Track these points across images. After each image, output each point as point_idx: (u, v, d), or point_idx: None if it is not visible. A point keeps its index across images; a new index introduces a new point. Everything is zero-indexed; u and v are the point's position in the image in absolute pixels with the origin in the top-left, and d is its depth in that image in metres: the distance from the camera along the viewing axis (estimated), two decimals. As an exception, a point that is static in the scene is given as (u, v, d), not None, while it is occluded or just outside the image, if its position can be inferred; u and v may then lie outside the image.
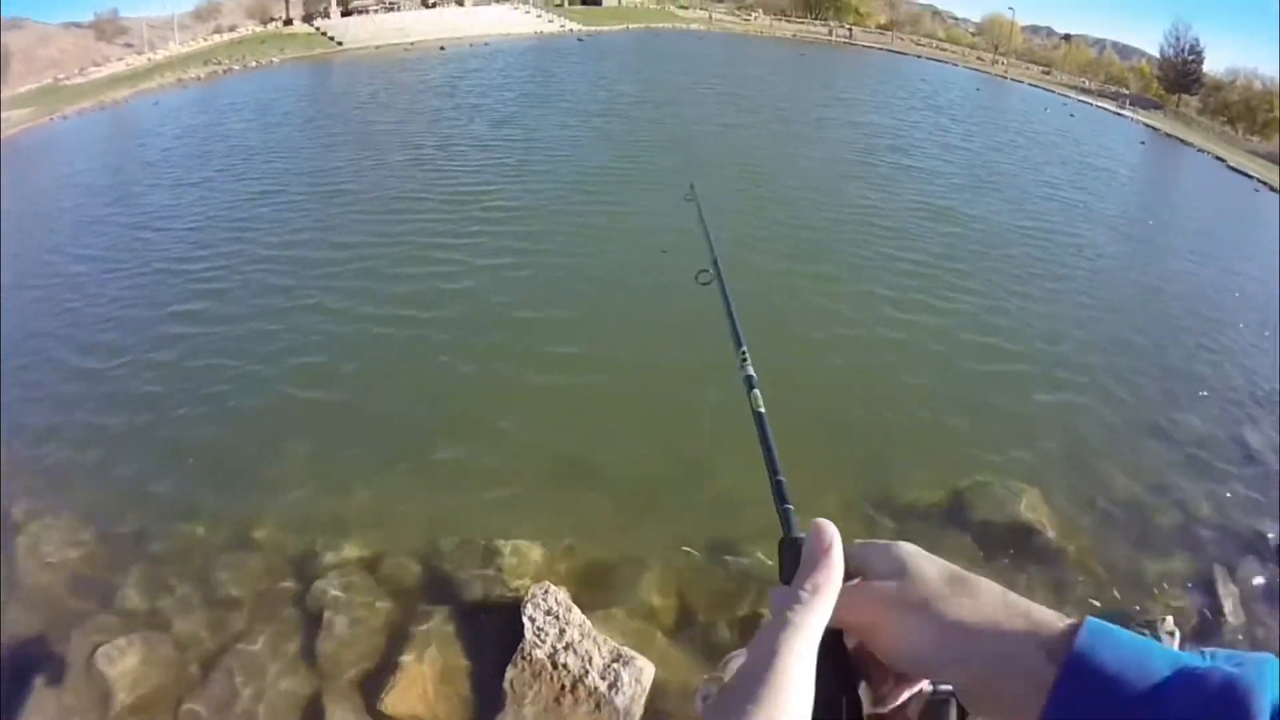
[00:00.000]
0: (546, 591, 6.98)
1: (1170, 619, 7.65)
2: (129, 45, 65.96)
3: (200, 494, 8.71)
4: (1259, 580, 9.19)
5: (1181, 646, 4.47)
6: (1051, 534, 9.14)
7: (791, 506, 1.08)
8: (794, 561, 0.91)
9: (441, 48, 56.42)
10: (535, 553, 7.90)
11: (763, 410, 1.30)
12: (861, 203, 20.25)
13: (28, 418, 10.44)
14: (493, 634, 6.91)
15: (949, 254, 17.39)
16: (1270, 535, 9.99)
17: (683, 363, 11.65)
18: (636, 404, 10.96)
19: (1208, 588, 8.84)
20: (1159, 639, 3.56)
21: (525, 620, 6.68)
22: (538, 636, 6.57)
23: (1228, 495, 10.70)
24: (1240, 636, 8.30)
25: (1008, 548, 8.86)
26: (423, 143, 24.89)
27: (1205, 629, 8.28)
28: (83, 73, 53.29)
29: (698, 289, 2.00)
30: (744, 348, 1.54)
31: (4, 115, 40.21)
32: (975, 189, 24.05)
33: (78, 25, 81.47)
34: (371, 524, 8.24)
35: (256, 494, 8.70)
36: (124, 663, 6.57)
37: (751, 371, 1.42)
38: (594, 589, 7.63)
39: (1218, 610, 8.56)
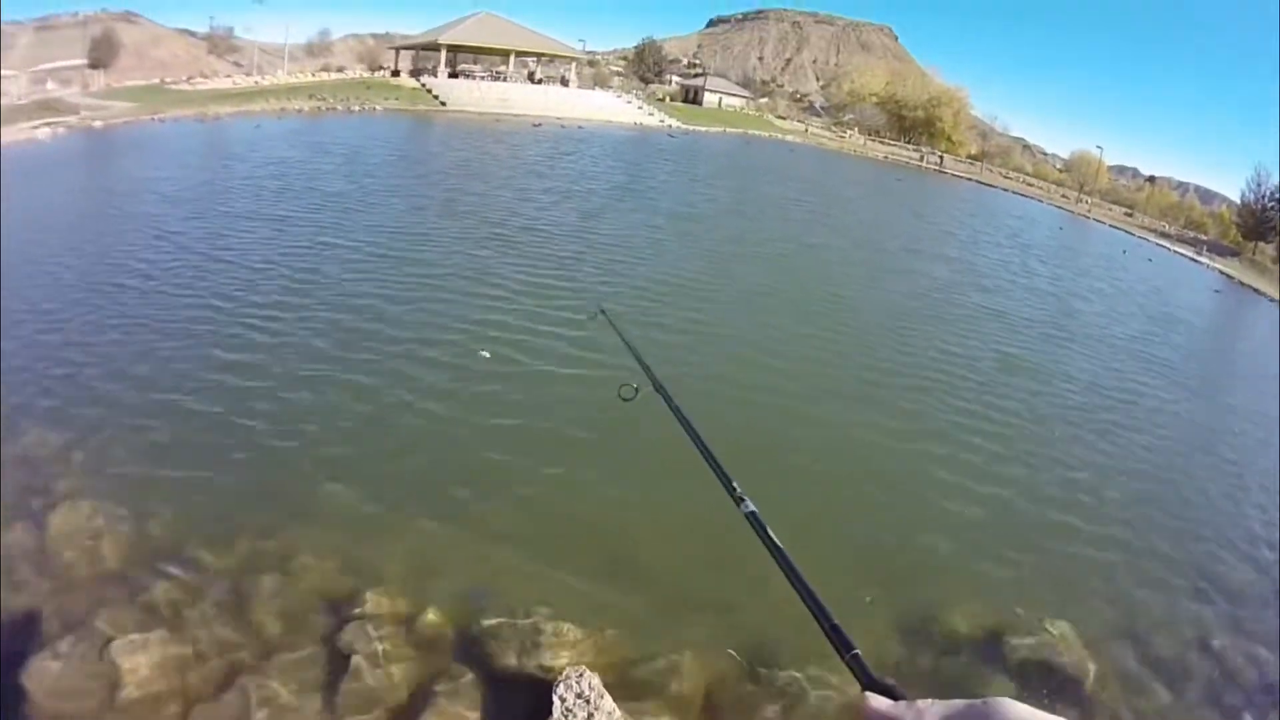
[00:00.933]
0: (581, 675, 6.80)
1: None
2: (238, 65, 67.79)
3: (246, 513, 8.58)
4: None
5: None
6: (1087, 678, 8.95)
7: (859, 650, 1.06)
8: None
9: (536, 124, 57.40)
10: (575, 634, 7.65)
11: (782, 545, 1.27)
12: (939, 344, 19.96)
13: (72, 404, 10.42)
14: (519, 707, 6.73)
15: (1012, 398, 17.14)
16: None
17: (759, 464, 11.55)
18: (698, 502, 10.49)
19: (1237, 747, 8.48)
20: None
21: (555, 699, 6.52)
22: (565, 717, 6.40)
23: (1264, 654, 10.41)
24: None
25: (1041, 688, 8.66)
26: (507, 221, 24.69)
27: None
28: (189, 81, 54.70)
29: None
30: (735, 483, 1.46)
31: (109, 105, 41.44)
32: (1055, 339, 23.79)
33: (191, 34, 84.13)
34: (415, 575, 8.06)
35: (303, 524, 8.55)
36: (139, 658, 6.41)
37: (754, 507, 1.35)
38: (628, 679, 7.40)
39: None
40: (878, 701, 0.91)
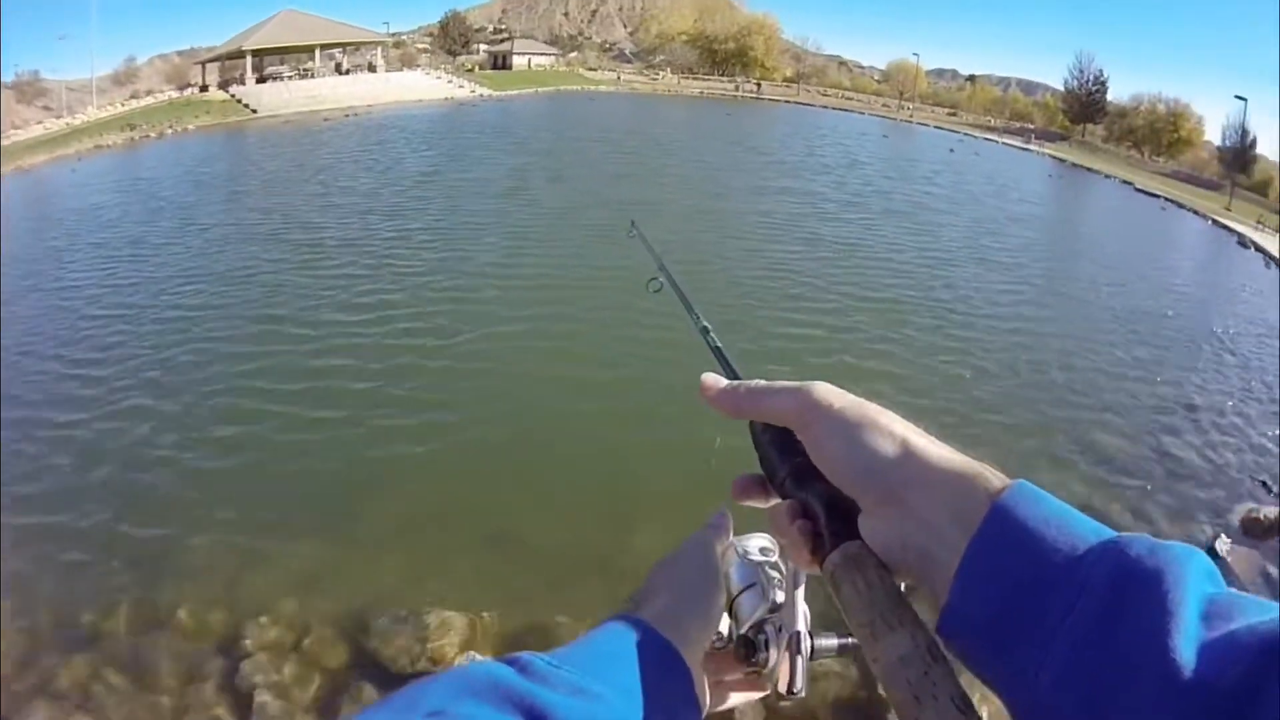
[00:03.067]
0: (471, 661, 6.32)
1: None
2: (48, 109, 66.07)
3: (124, 575, 8.49)
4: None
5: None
6: None
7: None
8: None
9: (325, 119, 57.11)
10: (461, 621, 7.78)
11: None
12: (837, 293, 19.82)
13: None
14: None
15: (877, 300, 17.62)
16: (1195, 532, 10.51)
17: (606, 421, 12.11)
18: (558, 467, 10.95)
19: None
20: None
21: None
22: None
23: (1147, 500, 11.24)
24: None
25: None
26: (322, 238, 22.04)
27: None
28: (2, 135, 53.69)
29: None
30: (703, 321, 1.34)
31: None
32: (924, 263, 23.99)
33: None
34: (297, 597, 8.08)
35: (180, 572, 8.48)
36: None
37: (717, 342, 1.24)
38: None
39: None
40: (711, 379, 0.94)
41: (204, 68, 76.90)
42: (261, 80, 71.88)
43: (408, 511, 9.70)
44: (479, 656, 6.87)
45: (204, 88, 70.28)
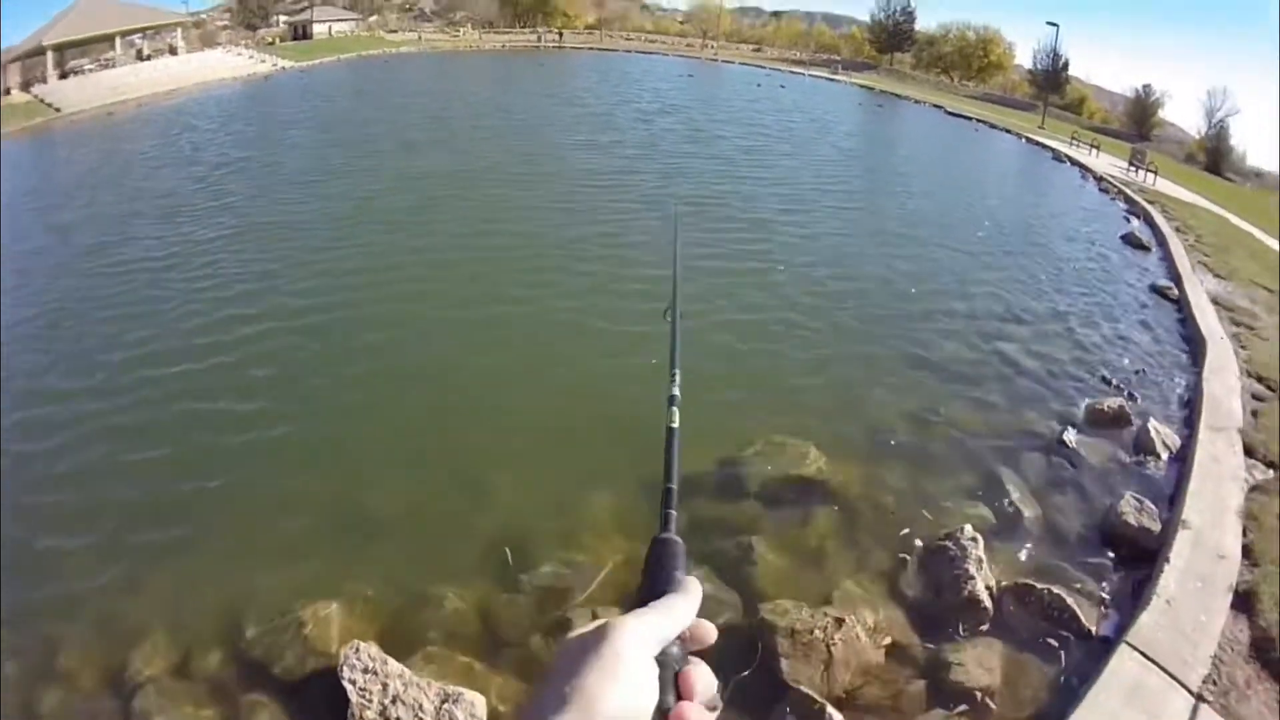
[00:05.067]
0: (357, 650, 6.68)
1: (969, 527, 8.08)
2: None
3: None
4: (1044, 471, 10.01)
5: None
6: (834, 480, 9.45)
7: (674, 512, 1.07)
8: (659, 561, 0.96)
9: (109, 114, 54.95)
10: (336, 612, 7.50)
11: (675, 426, 1.25)
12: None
13: None
14: (320, 706, 6.60)
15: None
16: (1042, 429, 11.01)
17: (439, 390, 12.04)
18: (397, 442, 10.78)
19: (997, 490, 9.44)
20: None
21: (346, 683, 6.43)
22: (363, 697, 6.36)
23: (993, 404, 11.72)
24: (1041, 526, 8.95)
25: (793, 502, 9.09)
26: (127, 258, 19.26)
27: (1007, 526, 8.85)
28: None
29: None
30: (676, 369, 1.48)
31: None
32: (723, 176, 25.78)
33: None
34: (173, 620, 7.63)
35: (53, 615, 7.93)
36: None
37: (676, 391, 1.37)
38: (405, 634, 7.38)
39: (1013, 507, 9.13)
40: None
41: (5, 69, 73.51)
42: (64, 76, 69.05)
43: (257, 511, 9.34)
44: (362, 645, 6.74)
45: (7, 90, 66.49)
